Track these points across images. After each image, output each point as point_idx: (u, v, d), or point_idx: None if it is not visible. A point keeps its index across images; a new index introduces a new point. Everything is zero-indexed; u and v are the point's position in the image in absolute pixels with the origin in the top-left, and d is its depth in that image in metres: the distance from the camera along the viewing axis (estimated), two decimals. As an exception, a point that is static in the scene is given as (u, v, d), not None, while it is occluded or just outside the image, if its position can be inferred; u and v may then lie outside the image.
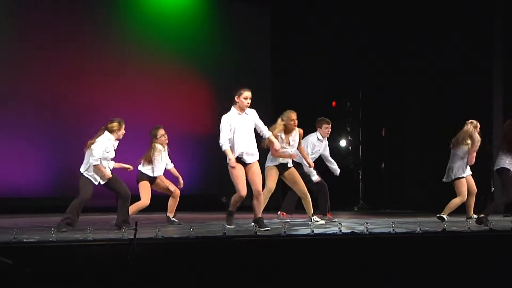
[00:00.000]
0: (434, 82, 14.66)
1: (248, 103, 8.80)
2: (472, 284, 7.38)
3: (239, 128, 8.79)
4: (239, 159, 8.82)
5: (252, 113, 8.96)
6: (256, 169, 8.88)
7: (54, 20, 13.91)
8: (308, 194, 10.30)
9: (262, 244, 7.32)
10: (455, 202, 10.27)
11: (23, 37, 13.60)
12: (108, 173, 8.85)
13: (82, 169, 8.89)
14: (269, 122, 10.27)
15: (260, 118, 9.16)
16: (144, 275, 6.47)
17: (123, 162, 9.61)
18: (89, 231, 7.05)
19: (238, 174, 8.79)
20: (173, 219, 10.23)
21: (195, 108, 15.21)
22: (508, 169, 9.56)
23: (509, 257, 7.73)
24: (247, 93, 8.79)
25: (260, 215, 8.85)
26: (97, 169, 8.80)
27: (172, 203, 10.39)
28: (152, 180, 10.24)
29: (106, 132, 9.00)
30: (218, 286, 6.70)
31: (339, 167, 11.44)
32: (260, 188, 8.87)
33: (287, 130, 10.10)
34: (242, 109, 8.84)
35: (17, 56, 13.56)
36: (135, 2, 14.99)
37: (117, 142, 9.15)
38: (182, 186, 10.44)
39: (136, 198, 10.04)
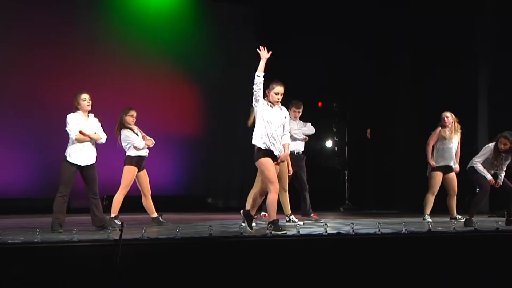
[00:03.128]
0: (420, 84, 14.70)
1: (278, 99, 8.41)
2: (457, 284, 7.40)
3: (272, 121, 8.38)
4: (269, 152, 8.34)
5: (285, 111, 8.61)
6: (282, 166, 8.54)
7: (39, 19, 13.86)
8: (287, 191, 10.24)
9: (248, 245, 7.31)
10: (427, 197, 10.71)
11: (5, 36, 13.55)
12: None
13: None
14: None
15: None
16: (130, 276, 6.45)
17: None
18: (74, 232, 7.02)
19: (269, 163, 8.27)
20: (161, 219, 10.16)
21: (181, 109, 15.20)
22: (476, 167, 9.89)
23: (494, 257, 7.76)
24: (279, 88, 8.43)
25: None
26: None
27: (149, 204, 10.24)
28: (139, 161, 10.12)
29: None
30: (204, 286, 6.69)
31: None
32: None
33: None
34: (273, 104, 8.45)
35: (0, 56, 13.51)
36: (121, 2, 14.96)
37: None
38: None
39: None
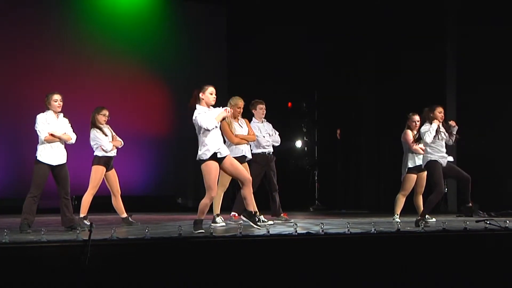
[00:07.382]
0: (390, 84, 14.77)
1: (214, 98, 8.57)
2: (425, 283, 7.46)
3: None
4: (215, 156, 8.36)
5: (215, 109, 8.65)
6: (233, 160, 8.58)
7: (9, 19, 13.78)
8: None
9: (218, 244, 7.31)
10: (398, 198, 10.72)
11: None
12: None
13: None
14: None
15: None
16: (99, 277, 6.42)
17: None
18: (43, 233, 6.97)
19: (214, 172, 8.34)
20: (131, 219, 10.10)
21: (150, 108, 15.17)
22: (436, 161, 9.77)
23: (462, 256, 7.83)
24: (212, 89, 8.59)
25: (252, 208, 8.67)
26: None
27: (119, 204, 10.19)
28: (107, 161, 10.07)
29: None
30: (173, 287, 6.68)
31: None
32: (248, 174, 8.64)
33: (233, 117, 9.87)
34: (208, 106, 8.57)
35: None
36: (90, 2, 14.89)
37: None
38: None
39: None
